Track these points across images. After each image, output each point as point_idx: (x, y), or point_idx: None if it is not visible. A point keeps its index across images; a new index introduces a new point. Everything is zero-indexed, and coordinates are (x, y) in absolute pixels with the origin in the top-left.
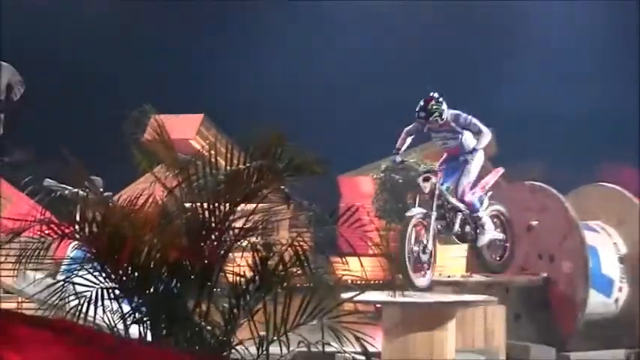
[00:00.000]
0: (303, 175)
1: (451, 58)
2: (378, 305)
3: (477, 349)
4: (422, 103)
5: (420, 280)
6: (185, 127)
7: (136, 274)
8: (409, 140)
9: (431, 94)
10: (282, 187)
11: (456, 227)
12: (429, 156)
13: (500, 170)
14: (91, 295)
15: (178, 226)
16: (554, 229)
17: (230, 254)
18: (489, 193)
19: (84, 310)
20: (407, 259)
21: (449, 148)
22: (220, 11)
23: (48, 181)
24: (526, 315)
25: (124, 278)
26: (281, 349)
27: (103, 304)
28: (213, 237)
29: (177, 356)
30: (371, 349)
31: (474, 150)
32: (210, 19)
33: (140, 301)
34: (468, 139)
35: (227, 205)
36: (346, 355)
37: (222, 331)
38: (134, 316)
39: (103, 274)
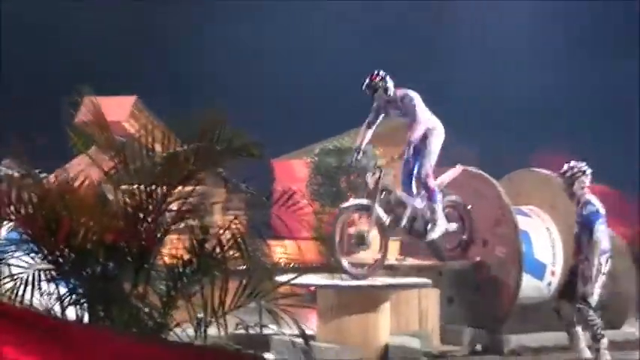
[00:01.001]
0: (239, 157)
1: (402, 37)
2: (312, 288)
3: (412, 332)
4: (366, 79)
5: (355, 269)
6: (117, 109)
7: (73, 255)
8: (369, 134)
9: (375, 71)
10: (219, 169)
11: (404, 222)
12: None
13: (460, 168)
14: (27, 277)
15: (115, 208)
16: (488, 214)
17: (167, 237)
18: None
19: (20, 292)
20: (336, 248)
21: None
22: None
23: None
24: (459, 298)
25: (61, 260)
26: (219, 331)
27: (40, 287)
28: (150, 219)
29: (117, 337)
30: (307, 331)
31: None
32: None
33: (77, 283)
34: (427, 115)
35: (164, 187)
36: (283, 337)
37: (159, 314)
38: (71, 298)
39: (40, 256)
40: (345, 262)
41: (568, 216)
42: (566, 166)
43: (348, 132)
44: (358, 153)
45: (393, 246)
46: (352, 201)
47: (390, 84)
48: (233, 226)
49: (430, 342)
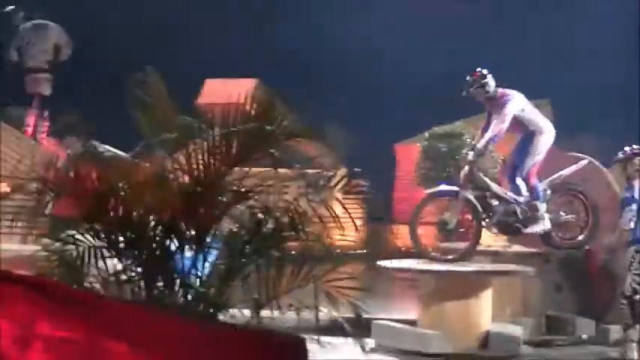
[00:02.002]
0: (295, 139)
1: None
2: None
3: (515, 320)
4: (468, 77)
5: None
6: (239, 92)
7: (129, 234)
8: (486, 136)
9: (478, 69)
10: (272, 150)
11: (495, 218)
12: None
13: (585, 161)
14: (78, 254)
15: (173, 186)
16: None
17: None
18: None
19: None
20: (416, 231)
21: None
22: None
23: (95, 144)
24: (567, 286)
25: (114, 237)
26: (272, 312)
27: (96, 265)
28: (207, 199)
29: (158, 316)
30: (408, 316)
31: (531, 132)
32: None
33: (133, 261)
34: (533, 115)
35: (221, 165)
36: (385, 322)
37: (216, 294)
38: (126, 277)
39: (91, 233)
40: (426, 247)
41: None
42: (621, 152)
43: (465, 119)
44: (473, 151)
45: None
46: (439, 187)
47: (491, 82)
48: (292, 208)
49: (533, 330)
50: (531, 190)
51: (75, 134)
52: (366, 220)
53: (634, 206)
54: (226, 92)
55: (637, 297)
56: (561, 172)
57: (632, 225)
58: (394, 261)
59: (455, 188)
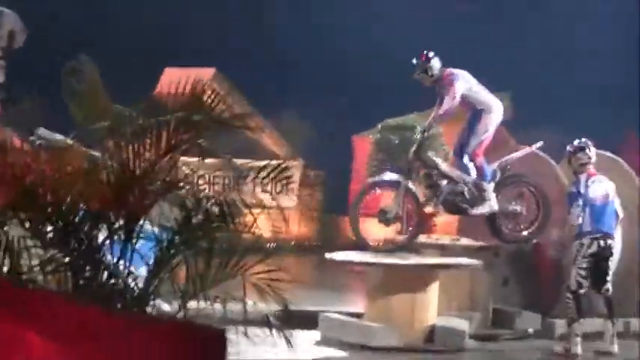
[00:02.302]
0: (223, 128)
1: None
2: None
3: (461, 313)
4: (414, 61)
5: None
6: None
7: (59, 223)
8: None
9: (424, 51)
10: (200, 140)
11: (442, 197)
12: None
13: (531, 148)
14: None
15: (102, 175)
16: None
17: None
18: (508, 167)
19: None
20: (356, 221)
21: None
22: None
23: (42, 130)
24: (514, 280)
25: (41, 227)
26: (198, 303)
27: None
28: (138, 188)
29: (84, 307)
30: (356, 309)
31: (479, 111)
32: None
33: (58, 251)
34: (481, 94)
35: (151, 154)
36: (332, 314)
37: (144, 285)
38: (52, 267)
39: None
40: (365, 236)
41: (629, 199)
42: (568, 146)
43: (418, 112)
44: (422, 134)
45: (450, 226)
46: (380, 176)
47: (435, 64)
48: (221, 199)
49: (480, 324)
50: (478, 169)
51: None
52: (321, 212)
53: (580, 201)
54: (184, 81)
55: (582, 291)
56: (511, 155)
57: (579, 220)
58: (341, 253)
59: (396, 177)
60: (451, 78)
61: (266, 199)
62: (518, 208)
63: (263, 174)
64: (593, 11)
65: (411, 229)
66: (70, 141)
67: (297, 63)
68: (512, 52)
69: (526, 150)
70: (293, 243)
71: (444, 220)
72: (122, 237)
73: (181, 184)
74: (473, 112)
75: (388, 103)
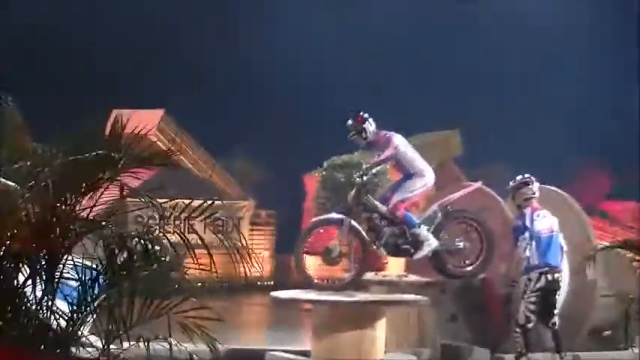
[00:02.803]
0: (144, 166)
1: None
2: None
3: (409, 349)
4: (349, 122)
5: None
6: (145, 122)
7: None
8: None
9: (360, 113)
10: (118, 178)
11: (384, 239)
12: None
13: (475, 185)
14: None
15: (22, 214)
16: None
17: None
18: (449, 207)
19: None
20: (301, 259)
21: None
22: None
23: None
24: (462, 316)
25: None
26: (122, 344)
27: None
28: (58, 228)
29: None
30: (301, 347)
31: (410, 174)
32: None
33: None
34: (413, 158)
35: (71, 195)
36: (279, 353)
37: (67, 326)
38: None
39: None
40: (310, 274)
41: (573, 232)
42: (512, 181)
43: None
44: (361, 178)
45: (397, 263)
46: (324, 215)
47: (369, 127)
48: (146, 237)
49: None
50: (401, 220)
51: None
52: (273, 251)
53: (526, 234)
54: (136, 122)
55: (529, 325)
56: (451, 196)
57: (527, 253)
58: (286, 291)
59: (340, 216)
60: (388, 136)
61: (215, 238)
62: (461, 244)
63: (196, 213)
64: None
65: (357, 266)
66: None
67: (247, 100)
68: (462, 88)
69: (465, 190)
70: (225, 283)
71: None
72: (44, 277)
73: (104, 222)
74: (404, 175)
75: (337, 140)
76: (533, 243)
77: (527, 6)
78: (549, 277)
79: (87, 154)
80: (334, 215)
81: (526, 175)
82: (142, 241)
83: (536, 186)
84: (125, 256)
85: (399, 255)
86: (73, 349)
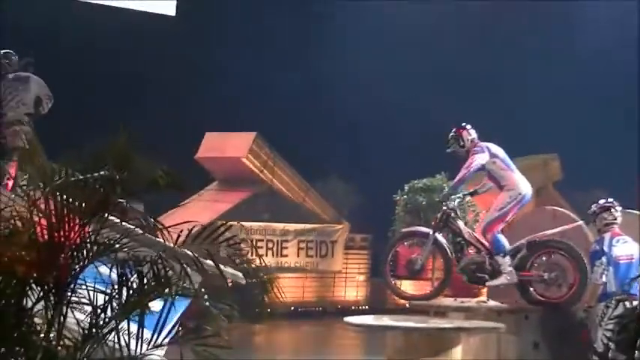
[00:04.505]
0: (151, 189)
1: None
2: None
3: None
4: (452, 133)
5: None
6: (237, 145)
7: None
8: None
9: (463, 124)
10: (120, 200)
11: (462, 264)
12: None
13: (570, 226)
14: None
15: (27, 237)
16: None
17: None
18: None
19: None
20: (387, 270)
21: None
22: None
23: None
24: (544, 343)
25: None
26: None
27: None
28: (66, 251)
29: None
30: None
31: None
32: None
33: None
34: (502, 171)
35: (79, 217)
36: None
37: (75, 353)
38: None
39: None
40: (398, 286)
41: None
42: (594, 205)
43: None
44: (451, 193)
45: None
46: (413, 227)
47: (468, 136)
48: (159, 262)
49: None
50: (490, 243)
51: None
52: (367, 276)
53: (604, 259)
54: (225, 145)
55: (609, 355)
56: (544, 232)
57: (603, 279)
58: (358, 317)
59: (427, 230)
60: (475, 149)
61: (309, 262)
62: (553, 274)
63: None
64: None
65: (437, 281)
66: None
67: (341, 124)
68: (559, 113)
69: (559, 229)
70: (319, 308)
71: None
72: (52, 302)
73: (117, 245)
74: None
75: (419, 163)
76: (611, 269)
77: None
78: (627, 304)
79: (90, 175)
80: (421, 228)
81: (609, 200)
82: (155, 266)
83: (618, 211)
84: (136, 279)
85: (473, 282)
86: None
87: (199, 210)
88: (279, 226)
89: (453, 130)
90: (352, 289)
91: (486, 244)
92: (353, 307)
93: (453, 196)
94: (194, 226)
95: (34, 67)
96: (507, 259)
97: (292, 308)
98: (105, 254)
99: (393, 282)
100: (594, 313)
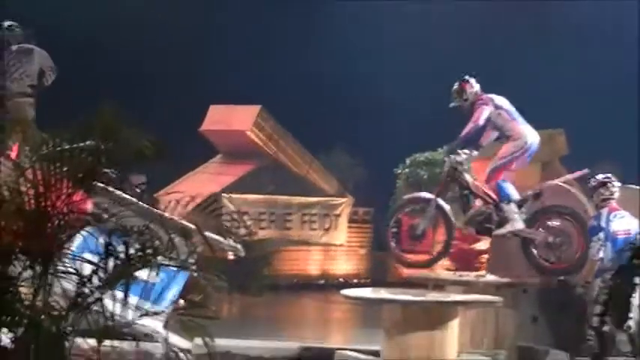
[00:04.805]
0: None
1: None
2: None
3: (485, 351)
4: (455, 86)
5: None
6: (242, 119)
7: None
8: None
9: (464, 77)
10: (105, 170)
11: (469, 215)
12: None
13: (582, 172)
14: None
15: (15, 207)
16: None
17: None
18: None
19: None
20: (390, 238)
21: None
22: None
23: None
24: (543, 317)
25: None
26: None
27: None
28: (53, 220)
29: None
30: (371, 347)
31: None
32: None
33: None
34: (504, 120)
35: (66, 186)
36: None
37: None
38: None
39: None
40: (401, 253)
41: None
42: (592, 180)
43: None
44: (458, 146)
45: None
46: (412, 194)
47: (471, 89)
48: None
49: None
50: (494, 191)
51: None
52: (370, 249)
53: (601, 235)
54: (230, 118)
55: (605, 328)
56: (551, 182)
57: (600, 254)
58: (356, 290)
59: (430, 195)
60: (480, 102)
61: (312, 235)
62: (557, 239)
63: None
64: None
65: (439, 246)
66: None
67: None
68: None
69: (570, 175)
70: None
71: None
72: (39, 271)
73: (105, 215)
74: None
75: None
76: (609, 244)
77: None
78: (624, 279)
79: (76, 145)
80: (424, 194)
81: (607, 175)
82: (142, 236)
83: (616, 186)
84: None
85: (481, 233)
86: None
87: (203, 182)
88: (283, 199)
89: (456, 83)
90: (354, 262)
91: (493, 195)
92: (355, 281)
93: (460, 151)
94: (193, 198)
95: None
96: (512, 205)
97: (295, 281)
98: (92, 224)
99: (396, 250)
100: (592, 288)
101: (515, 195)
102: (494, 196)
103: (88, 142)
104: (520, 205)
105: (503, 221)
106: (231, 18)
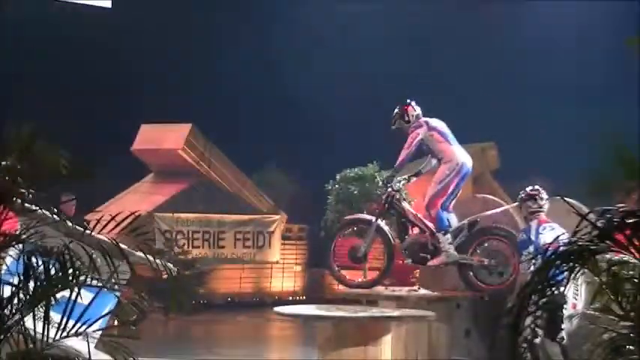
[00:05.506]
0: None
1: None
2: None
3: None
4: (396, 110)
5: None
6: (173, 138)
7: None
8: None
9: (407, 101)
10: (22, 190)
11: (406, 244)
12: None
13: (509, 207)
14: None
15: None
16: None
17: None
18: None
19: None
20: (332, 260)
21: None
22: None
23: None
24: (477, 331)
25: None
26: None
27: None
28: None
29: None
30: None
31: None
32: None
33: None
34: (437, 144)
35: None
36: None
37: None
38: None
39: None
40: (343, 275)
41: None
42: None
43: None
44: (385, 185)
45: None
46: (357, 215)
47: (413, 112)
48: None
49: None
50: (433, 221)
51: None
52: (304, 266)
53: (531, 248)
54: (161, 137)
55: (536, 340)
56: (484, 214)
57: (531, 268)
58: (289, 307)
59: (370, 217)
60: (414, 125)
61: (246, 253)
62: (492, 261)
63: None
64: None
65: (378, 272)
66: None
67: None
68: (499, 101)
69: (497, 210)
70: (256, 298)
71: None
72: None
73: (24, 236)
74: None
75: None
76: (539, 257)
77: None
78: (555, 291)
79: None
80: (363, 216)
81: (535, 187)
82: (62, 257)
83: (544, 199)
84: (42, 272)
85: (416, 262)
86: None
87: (135, 202)
88: (216, 217)
89: (398, 107)
90: (290, 279)
91: (429, 224)
92: (290, 298)
93: (397, 178)
94: (126, 217)
95: None
96: (448, 237)
97: (229, 299)
98: (10, 245)
99: (337, 271)
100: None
101: (453, 224)
102: (430, 225)
103: (3, 163)
104: (456, 235)
105: (438, 251)
106: (160, 34)
